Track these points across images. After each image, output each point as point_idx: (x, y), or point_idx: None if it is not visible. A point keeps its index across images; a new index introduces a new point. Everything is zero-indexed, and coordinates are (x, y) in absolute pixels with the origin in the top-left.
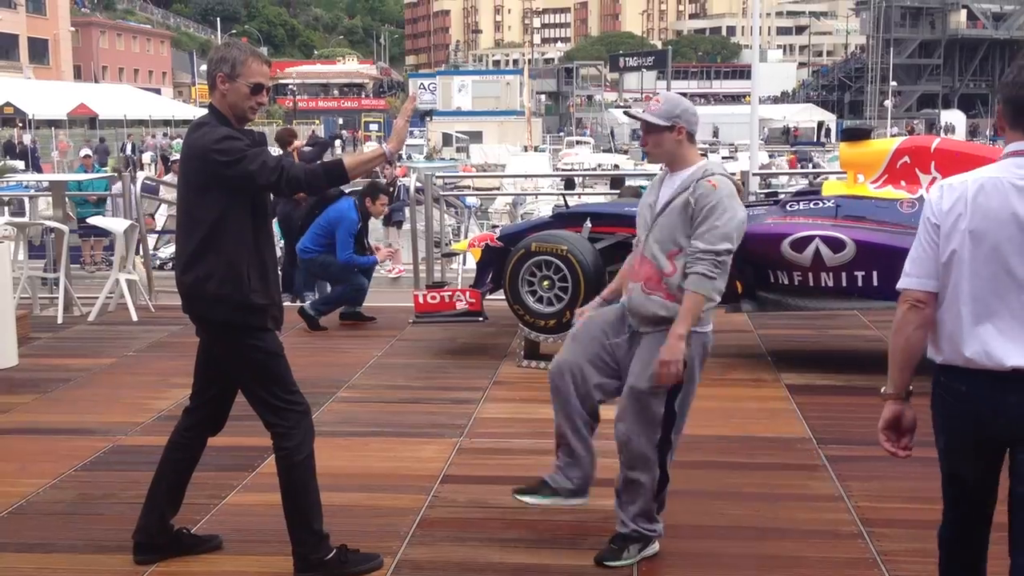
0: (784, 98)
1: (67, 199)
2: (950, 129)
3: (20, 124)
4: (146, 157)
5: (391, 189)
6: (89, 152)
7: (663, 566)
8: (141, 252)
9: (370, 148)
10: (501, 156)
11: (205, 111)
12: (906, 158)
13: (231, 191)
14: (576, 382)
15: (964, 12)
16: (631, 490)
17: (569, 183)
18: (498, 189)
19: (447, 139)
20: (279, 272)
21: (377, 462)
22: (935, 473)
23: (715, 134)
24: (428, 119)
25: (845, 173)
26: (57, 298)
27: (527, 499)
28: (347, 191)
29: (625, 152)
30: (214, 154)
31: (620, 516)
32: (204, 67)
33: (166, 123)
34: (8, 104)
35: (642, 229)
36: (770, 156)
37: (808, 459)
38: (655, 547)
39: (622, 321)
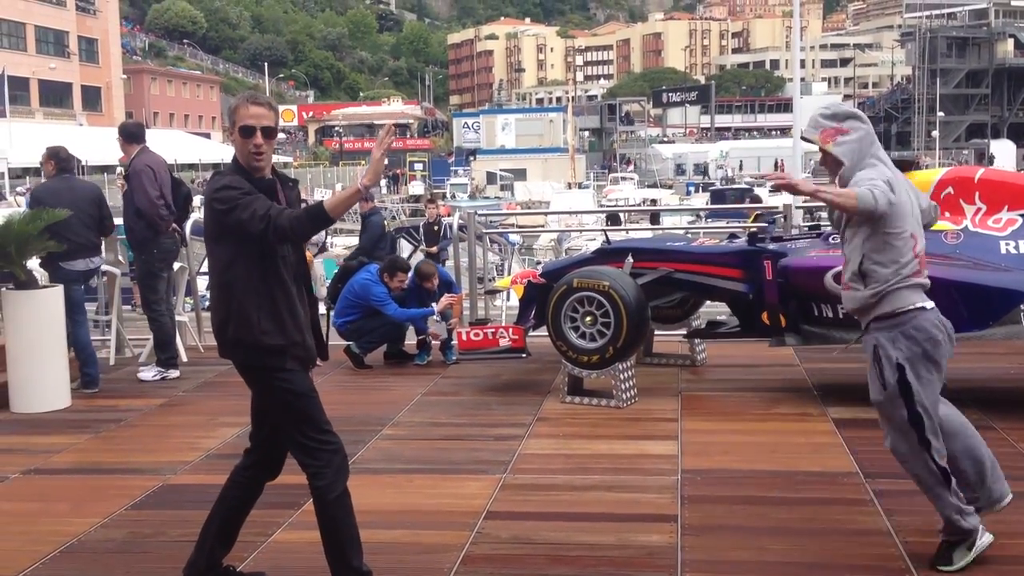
0: None
1: (119, 242)
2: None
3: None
4: (197, 200)
5: (436, 228)
6: None
7: None
8: (191, 294)
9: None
10: (545, 193)
11: None
12: (950, 189)
13: (237, 237)
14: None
15: (1011, 41)
16: (927, 495)
17: (614, 219)
18: (543, 226)
19: (491, 177)
20: (306, 310)
21: (421, 499)
22: None
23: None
24: (472, 158)
25: None
26: (109, 340)
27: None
28: (366, 261)
29: (669, 187)
30: (213, 202)
31: (939, 526)
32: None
33: (215, 167)
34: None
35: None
36: None
37: (855, 493)
38: (986, 539)
39: None
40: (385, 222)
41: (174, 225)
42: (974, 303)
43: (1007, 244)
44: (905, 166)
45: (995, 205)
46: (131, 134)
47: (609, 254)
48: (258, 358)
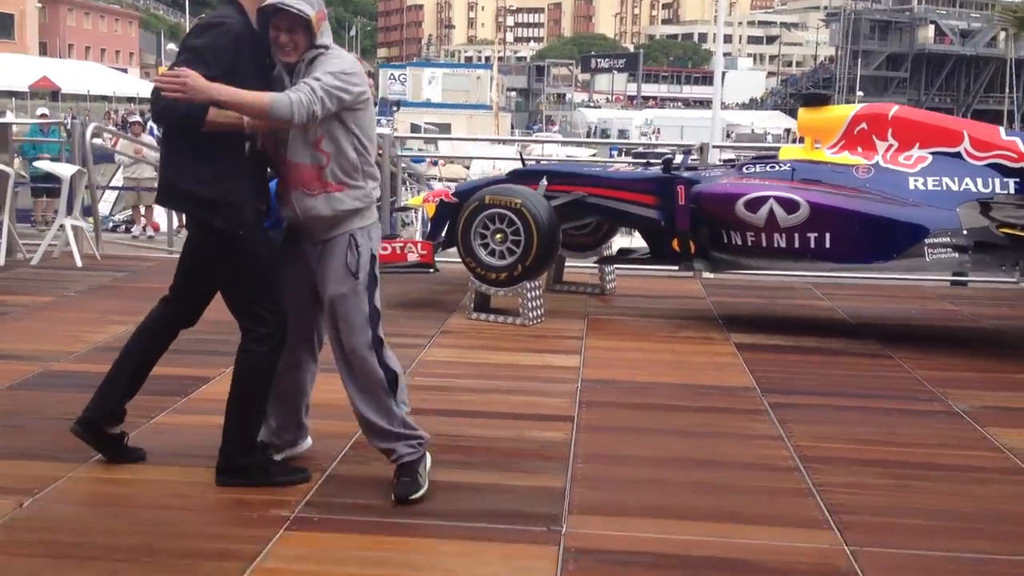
0: (752, 105)
1: (15, 147)
2: None
3: None
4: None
5: None
6: (46, 111)
7: (607, 489)
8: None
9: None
10: (469, 148)
11: None
12: (864, 124)
13: None
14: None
15: (932, 28)
16: (376, 409)
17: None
18: (464, 179)
19: (415, 129)
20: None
21: (319, 394)
22: (879, 420)
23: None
24: (396, 109)
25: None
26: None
27: None
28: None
29: (592, 152)
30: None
31: (387, 447)
32: (171, 46)
33: (130, 100)
34: None
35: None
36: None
37: (751, 405)
38: (428, 457)
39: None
40: None
41: None
42: (880, 235)
43: (916, 180)
44: (821, 100)
45: (907, 143)
46: None
47: (524, 176)
48: (197, 210)
